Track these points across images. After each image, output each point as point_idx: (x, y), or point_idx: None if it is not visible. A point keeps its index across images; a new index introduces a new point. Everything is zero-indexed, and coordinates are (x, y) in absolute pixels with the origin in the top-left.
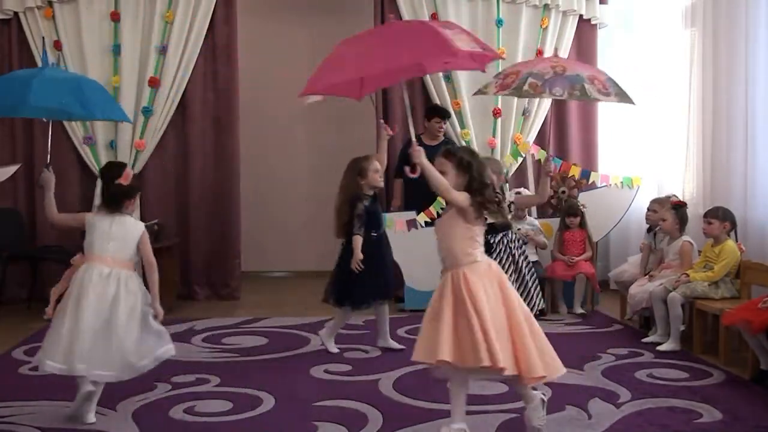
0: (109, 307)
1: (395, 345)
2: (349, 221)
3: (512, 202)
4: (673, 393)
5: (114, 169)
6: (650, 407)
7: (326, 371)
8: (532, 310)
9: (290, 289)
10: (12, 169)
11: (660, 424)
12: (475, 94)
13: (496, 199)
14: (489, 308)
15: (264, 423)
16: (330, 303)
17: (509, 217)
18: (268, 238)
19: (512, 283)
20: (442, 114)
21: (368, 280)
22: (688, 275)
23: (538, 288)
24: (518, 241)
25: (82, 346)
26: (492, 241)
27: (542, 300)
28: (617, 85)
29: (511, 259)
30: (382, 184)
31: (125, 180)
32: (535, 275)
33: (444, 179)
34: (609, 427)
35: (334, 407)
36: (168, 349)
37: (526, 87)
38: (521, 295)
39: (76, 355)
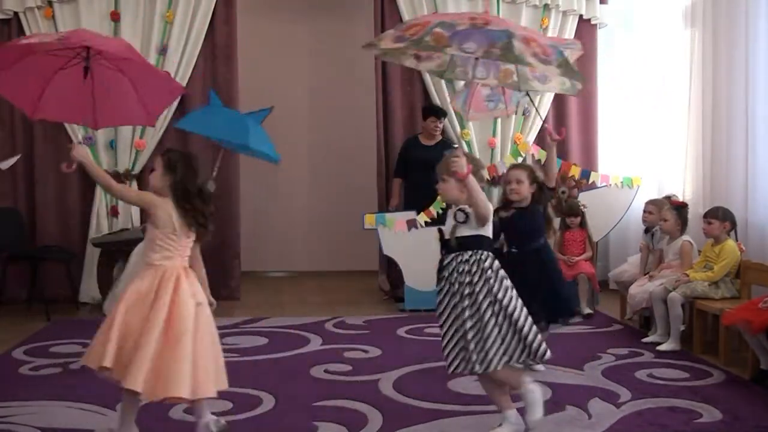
0: None
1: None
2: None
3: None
4: (673, 393)
5: None
6: (650, 407)
7: (326, 371)
8: (463, 367)
9: (290, 289)
10: (13, 160)
11: (660, 424)
12: (364, 47)
13: (202, 212)
14: (130, 314)
15: (264, 423)
16: None
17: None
18: (268, 238)
19: (452, 334)
20: (438, 113)
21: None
22: (688, 275)
23: (490, 348)
24: (470, 268)
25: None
26: (444, 263)
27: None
28: (567, 61)
29: (455, 289)
30: (515, 197)
31: None
32: (486, 329)
33: (106, 176)
34: (609, 427)
35: (334, 407)
36: None
37: (427, 38)
38: (452, 351)
39: None
